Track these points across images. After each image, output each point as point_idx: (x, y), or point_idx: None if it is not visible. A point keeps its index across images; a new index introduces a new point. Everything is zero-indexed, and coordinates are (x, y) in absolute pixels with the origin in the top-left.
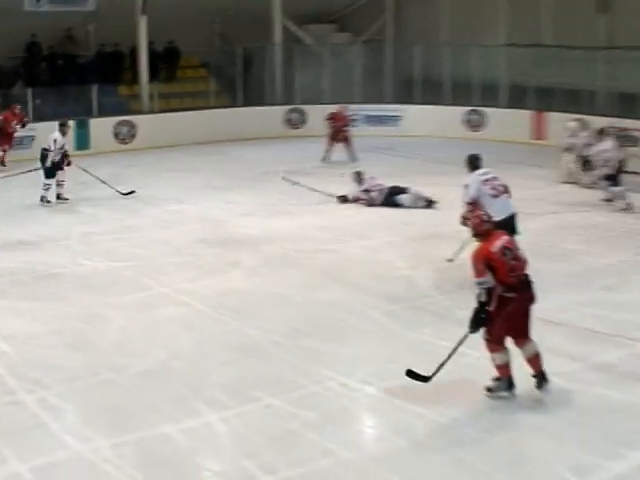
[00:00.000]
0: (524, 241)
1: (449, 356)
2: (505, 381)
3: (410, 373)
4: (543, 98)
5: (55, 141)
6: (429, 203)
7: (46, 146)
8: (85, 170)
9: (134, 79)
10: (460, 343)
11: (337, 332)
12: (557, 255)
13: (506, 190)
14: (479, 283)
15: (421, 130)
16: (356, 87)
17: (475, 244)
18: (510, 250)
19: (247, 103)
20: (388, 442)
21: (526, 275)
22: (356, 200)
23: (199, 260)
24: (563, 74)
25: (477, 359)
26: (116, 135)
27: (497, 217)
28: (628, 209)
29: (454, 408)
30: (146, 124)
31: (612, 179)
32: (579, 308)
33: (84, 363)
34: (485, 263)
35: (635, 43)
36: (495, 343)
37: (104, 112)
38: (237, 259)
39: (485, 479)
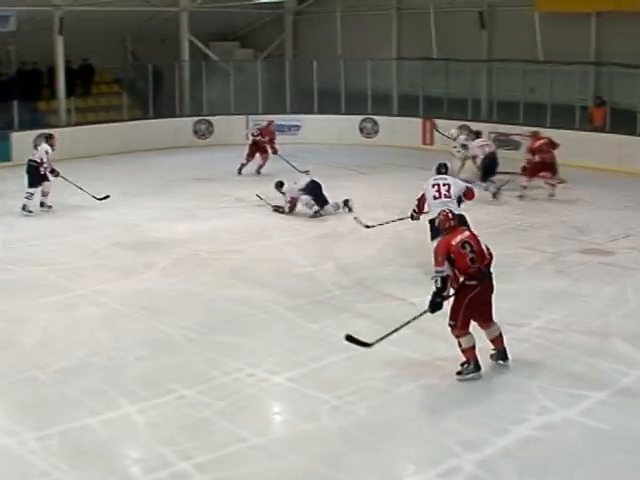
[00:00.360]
0: (411, 237)
1: (398, 328)
2: (472, 363)
3: (349, 338)
4: (431, 107)
5: (47, 153)
6: (346, 205)
7: (36, 159)
8: (65, 179)
9: (52, 95)
10: (414, 318)
11: (245, 326)
12: None
13: (448, 195)
14: (437, 271)
15: (320, 138)
16: (259, 99)
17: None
18: (470, 244)
19: (158, 115)
20: (294, 427)
21: (487, 267)
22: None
23: (115, 262)
24: (449, 85)
25: (374, 348)
26: (36, 147)
27: (432, 215)
28: (495, 198)
29: (352, 394)
30: (64, 137)
31: (486, 174)
32: None
33: (9, 361)
34: (445, 254)
35: (511, 56)
36: (459, 328)
37: (24, 126)
38: (151, 261)
39: (381, 457)
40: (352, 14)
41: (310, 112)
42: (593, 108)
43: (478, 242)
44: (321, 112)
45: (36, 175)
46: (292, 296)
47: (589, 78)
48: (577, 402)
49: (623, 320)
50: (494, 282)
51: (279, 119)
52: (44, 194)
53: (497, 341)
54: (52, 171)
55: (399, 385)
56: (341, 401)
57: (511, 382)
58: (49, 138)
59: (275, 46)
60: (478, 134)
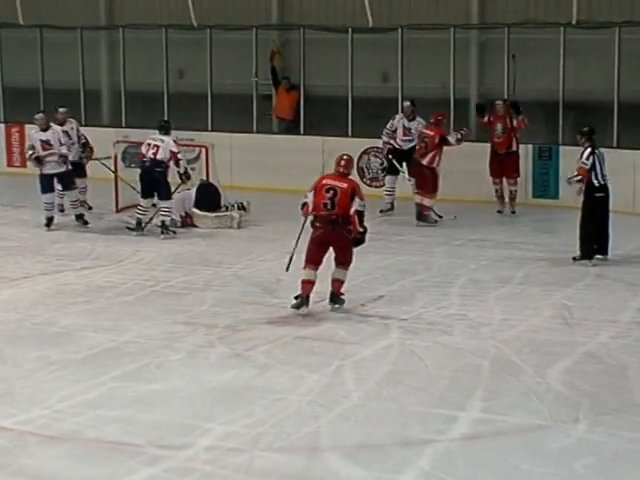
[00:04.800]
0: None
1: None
2: (301, 297)
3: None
4: None
5: None
6: None
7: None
8: None
9: None
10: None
11: None
12: (51, 336)
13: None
14: (305, 196)
15: None
16: None
17: None
18: (334, 191)
19: None
20: None
21: (341, 218)
22: None
23: None
24: None
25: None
26: None
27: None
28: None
29: None
30: None
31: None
32: (88, 411)
33: None
34: (314, 185)
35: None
36: (305, 261)
37: None
38: None
39: None
40: None
41: None
42: (282, 94)
43: (347, 198)
44: None
45: None
46: None
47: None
48: None
49: (340, 424)
50: (338, 234)
51: None
52: None
53: (334, 284)
54: None
55: None
56: None
57: None
58: None
59: None
60: None
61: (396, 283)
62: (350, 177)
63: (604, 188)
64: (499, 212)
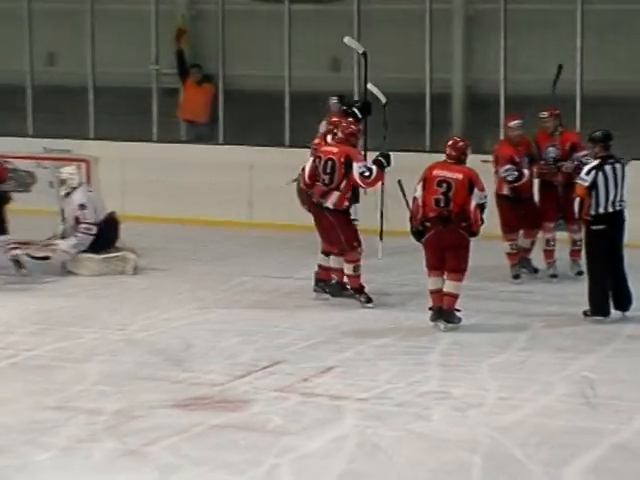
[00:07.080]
0: None
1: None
2: (433, 310)
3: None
4: None
5: None
6: None
7: None
8: None
9: None
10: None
11: None
12: None
13: None
14: (414, 190)
15: None
16: None
17: None
18: (448, 185)
19: None
20: None
21: (451, 214)
22: None
23: None
24: None
25: None
26: None
27: None
28: None
29: None
30: None
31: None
32: None
33: None
34: (423, 177)
35: None
36: (427, 268)
37: None
38: None
39: None
40: None
41: None
42: (191, 88)
43: (464, 192)
44: None
45: None
46: None
47: None
48: None
49: None
50: (451, 232)
51: None
52: None
53: (445, 299)
54: None
55: None
56: None
57: None
58: None
59: None
60: None
61: (351, 349)
62: (465, 164)
63: (606, 218)
64: (516, 277)
